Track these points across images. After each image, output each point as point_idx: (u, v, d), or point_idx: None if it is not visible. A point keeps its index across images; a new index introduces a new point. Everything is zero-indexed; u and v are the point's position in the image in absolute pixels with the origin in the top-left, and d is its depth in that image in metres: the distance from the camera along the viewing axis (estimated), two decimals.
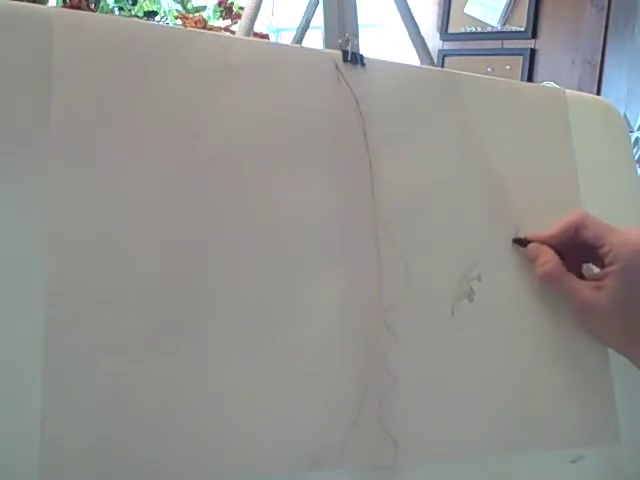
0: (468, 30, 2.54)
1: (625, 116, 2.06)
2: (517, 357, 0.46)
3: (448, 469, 0.42)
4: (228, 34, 1.28)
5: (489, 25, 2.49)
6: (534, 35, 2.40)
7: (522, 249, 0.48)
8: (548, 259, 0.46)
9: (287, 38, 3.04)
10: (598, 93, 2.18)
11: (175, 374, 0.36)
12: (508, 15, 2.44)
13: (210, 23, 1.58)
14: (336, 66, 0.44)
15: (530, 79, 2.37)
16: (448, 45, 2.59)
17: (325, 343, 0.40)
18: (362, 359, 0.41)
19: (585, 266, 0.49)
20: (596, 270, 0.48)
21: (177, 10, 1.61)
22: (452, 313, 0.44)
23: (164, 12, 1.68)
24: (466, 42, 2.55)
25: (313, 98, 0.43)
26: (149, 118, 0.38)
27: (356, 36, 0.46)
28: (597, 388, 0.48)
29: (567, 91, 0.54)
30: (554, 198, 0.50)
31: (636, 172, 0.56)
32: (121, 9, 1.58)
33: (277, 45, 0.47)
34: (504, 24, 2.45)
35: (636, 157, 1.74)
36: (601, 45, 2.23)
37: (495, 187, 0.49)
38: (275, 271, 0.40)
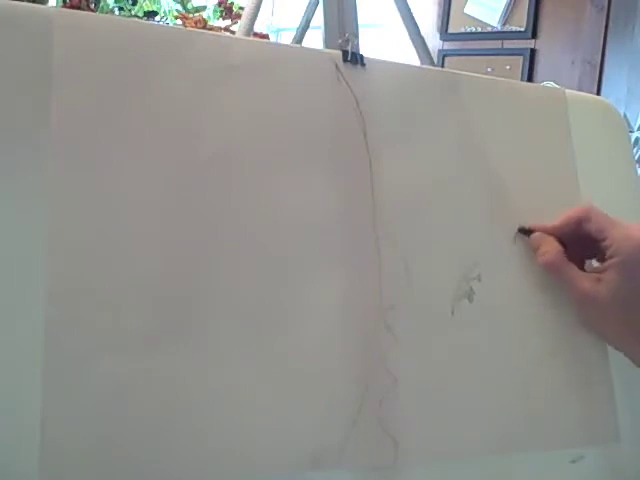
0: (468, 30, 2.54)
1: (625, 116, 2.06)
2: (517, 357, 0.46)
3: (448, 469, 0.42)
4: (228, 34, 1.28)
5: (489, 25, 2.49)
6: (534, 35, 2.40)
7: (523, 249, 0.48)
8: (550, 248, 0.47)
9: (287, 38, 3.04)
10: (598, 93, 2.18)
11: (175, 374, 0.36)
12: (508, 15, 2.44)
13: (210, 23, 1.58)
14: (336, 66, 0.44)
15: (530, 79, 2.37)
16: (448, 45, 2.59)
17: (325, 343, 0.40)
18: (362, 359, 0.41)
19: (587, 262, 0.49)
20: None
21: (177, 10, 1.61)
22: (452, 313, 0.44)
23: (164, 12, 1.68)
24: (466, 42, 2.55)
25: (313, 98, 0.43)
26: (149, 118, 0.38)
27: (356, 36, 0.46)
28: (597, 388, 0.48)
29: (567, 91, 0.54)
30: (554, 198, 0.50)
31: (636, 172, 0.56)
32: (121, 9, 1.58)
33: (277, 45, 0.47)
34: (504, 24, 2.45)
35: (636, 157, 1.74)
36: (601, 45, 2.23)
37: (495, 187, 0.49)
38: (275, 271, 0.40)
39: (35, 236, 0.34)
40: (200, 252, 0.38)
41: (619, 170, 0.55)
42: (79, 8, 1.36)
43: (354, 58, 0.45)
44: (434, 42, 2.56)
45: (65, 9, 0.38)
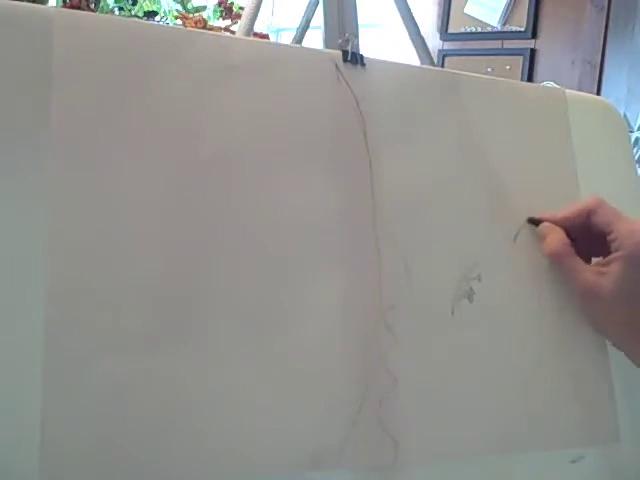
0: (468, 30, 2.54)
1: (625, 116, 2.06)
2: (517, 357, 0.46)
3: (448, 469, 0.42)
4: (228, 34, 1.28)
5: (489, 25, 2.49)
6: (534, 35, 2.40)
7: (523, 249, 0.48)
8: (556, 238, 0.47)
9: (287, 38, 3.04)
10: (598, 93, 2.18)
11: (175, 374, 0.36)
12: (508, 15, 2.44)
13: (210, 23, 1.58)
14: (336, 66, 0.44)
15: (530, 79, 2.37)
16: (448, 45, 2.59)
17: (325, 343, 0.40)
18: (362, 359, 0.41)
19: (594, 260, 0.49)
20: None
21: (177, 10, 1.61)
22: (452, 313, 0.44)
23: (164, 12, 1.68)
24: (466, 42, 2.55)
25: (313, 98, 0.43)
26: (149, 118, 0.38)
27: (356, 36, 0.46)
28: (597, 388, 0.48)
29: (567, 91, 0.54)
30: (554, 198, 0.50)
31: (636, 172, 0.56)
32: (121, 9, 1.58)
33: (277, 45, 0.47)
34: (504, 24, 2.45)
35: (636, 157, 1.74)
36: (601, 45, 2.23)
37: (495, 187, 0.49)
38: (275, 271, 0.40)
39: (35, 236, 0.34)
40: (200, 252, 0.38)
41: (619, 170, 0.55)
42: (79, 8, 1.36)
43: (354, 58, 0.45)
44: (434, 42, 2.56)
45: (65, 9, 0.38)
